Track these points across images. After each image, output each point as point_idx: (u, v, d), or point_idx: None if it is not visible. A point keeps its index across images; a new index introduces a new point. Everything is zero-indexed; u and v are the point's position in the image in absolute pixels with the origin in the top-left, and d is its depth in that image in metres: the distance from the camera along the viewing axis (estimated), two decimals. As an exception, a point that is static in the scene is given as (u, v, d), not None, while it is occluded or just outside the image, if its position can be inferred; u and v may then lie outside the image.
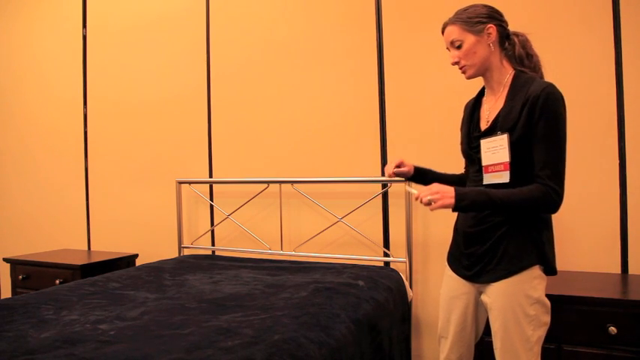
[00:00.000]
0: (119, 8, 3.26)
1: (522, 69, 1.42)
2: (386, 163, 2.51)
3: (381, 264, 2.52)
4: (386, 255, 2.50)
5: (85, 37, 3.39)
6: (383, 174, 2.51)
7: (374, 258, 2.51)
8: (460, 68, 1.44)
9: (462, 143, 1.56)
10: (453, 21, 1.41)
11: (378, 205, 2.53)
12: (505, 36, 1.42)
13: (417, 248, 2.45)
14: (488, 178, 1.41)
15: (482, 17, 1.38)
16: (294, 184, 2.65)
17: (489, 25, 1.37)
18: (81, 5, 3.39)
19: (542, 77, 1.44)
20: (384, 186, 2.49)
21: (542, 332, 1.37)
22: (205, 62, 2.98)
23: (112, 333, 1.50)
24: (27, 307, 1.77)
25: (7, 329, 1.55)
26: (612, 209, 2.07)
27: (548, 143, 1.29)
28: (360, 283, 2.05)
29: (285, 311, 1.66)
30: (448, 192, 1.31)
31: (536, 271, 1.35)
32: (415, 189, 1.42)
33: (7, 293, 3.27)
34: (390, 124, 2.51)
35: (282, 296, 1.90)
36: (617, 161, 2.06)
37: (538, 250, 1.36)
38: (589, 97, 2.09)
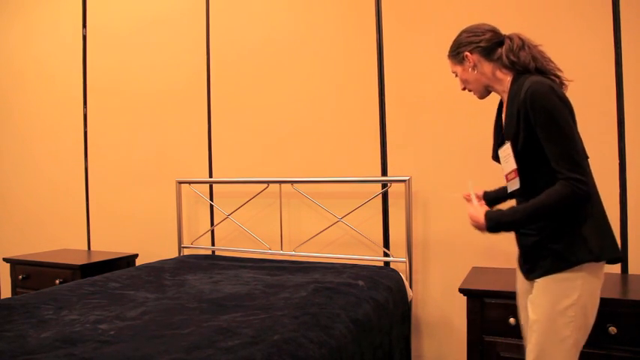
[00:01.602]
0: (119, 8, 3.26)
1: (520, 71, 1.41)
2: (386, 162, 2.51)
3: (381, 264, 2.52)
4: (386, 255, 2.50)
5: (84, 37, 3.38)
6: (383, 174, 2.52)
7: (374, 258, 2.51)
8: (470, 92, 1.56)
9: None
10: (448, 55, 1.55)
11: (377, 205, 2.53)
12: (491, 49, 1.45)
13: (417, 248, 2.45)
14: (509, 186, 1.46)
15: (460, 47, 1.49)
16: (294, 184, 2.64)
17: (465, 53, 1.47)
18: (81, 5, 3.39)
19: (542, 69, 1.39)
20: (384, 186, 2.49)
21: (580, 335, 1.33)
22: (205, 62, 2.98)
23: (111, 333, 1.50)
24: (27, 307, 1.77)
25: (7, 329, 1.55)
26: (612, 209, 2.06)
27: (552, 137, 1.28)
28: (360, 283, 2.05)
29: (285, 311, 1.66)
30: (479, 220, 1.39)
31: (581, 270, 1.31)
32: (474, 190, 1.54)
33: (7, 293, 3.27)
34: (389, 124, 2.51)
35: (282, 296, 1.90)
36: (617, 161, 2.05)
37: (583, 248, 1.31)
38: (589, 97, 2.09)
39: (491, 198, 1.73)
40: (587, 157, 1.35)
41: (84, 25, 3.39)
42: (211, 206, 2.99)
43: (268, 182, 2.69)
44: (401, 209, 2.45)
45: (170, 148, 3.10)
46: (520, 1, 2.21)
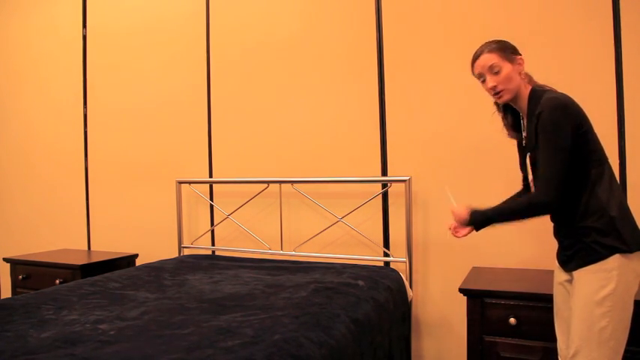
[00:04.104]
0: (119, 8, 3.26)
1: (538, 85, 1.52)
2: (386, 162, 2.51)
3: (381, 264, 2.52)
4: (386, 255, 2.50)
5: (85, 37, 3.38)
6: (383, 174, 2.51)
7: (374, 258, 2.51)
8: (497, 93, 1.53)
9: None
10: (490, 49, 1.53)
11: (378, 205, 2.53)
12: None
13: (417, 248, 2.44)
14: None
15: (513, 49, 1.54)
16: (294, 184, 2.64)
17: (520, 57, 1.53)
18: (81, 5, 3.39)
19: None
20: (384, 186, 2.49)
21: (619, 327, 1.36)
22: (205, 62, 2.98)
23: (112, 333, 1.50)
24: (27, 307, 1.77)
25: (7, 329, 1.55)
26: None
27: (543, 152, 1.41)
28: (360, 282, 2.04)
29: (285, 311, 1.66)
30: (464, 220, 1.59)
31: (616, 261, 1.36)
32: (454, 198, 1.69)
33: (7, 293, 3.27)
34: (390, 124, 2.51)
35: (282, 296, 1.90)
36: (618, 161, 2.05)
37: (616, 239, 1.37)
38: (589, 96, 2.08)
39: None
40: (605, 160, 1.45)
41: (84, 25, 3.39)
42: (211, 206, 2.99)
43: (268, 182, 2.69)
44: (401, 209, 2.45)
45: (170, 148, 3.10)
46: (522, 4, 2.21)
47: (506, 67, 1.50)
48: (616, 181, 1.46)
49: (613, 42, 2.06)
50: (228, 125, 2.93)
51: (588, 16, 2.10)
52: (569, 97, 1.43)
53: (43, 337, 1.46)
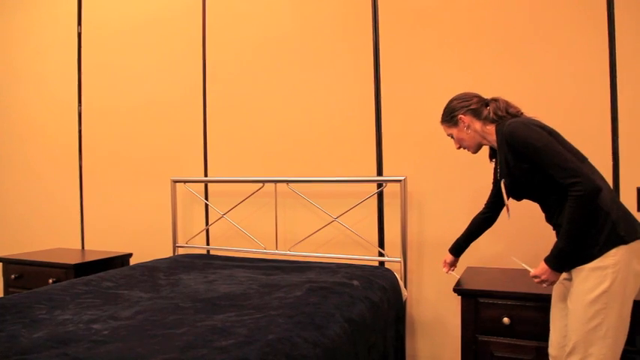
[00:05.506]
0: (115, 6, 3.24)
1: (500, 121, 1.61)
2: (381, 162, 2.52)
3: (376, 264, 2.52)
4: (381, 255, 2.51)
5: (79, 35, 3.36)
6: (378, 174, 2.52)
7: (369, 258, 2.51)
8: (465, 149, 1.76)
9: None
10: (441, 121, 1.77)
11: (373, 205, 2.53)
12: (480, 110, 1.66)
13: (412, 248, 2.45)
14: (508, 215, 1.74)
15: (453, 111, 1.70)
16: (290, 184, 2.64)
17: (459, 116, 1.68)
18: (76, 3, 3.37)
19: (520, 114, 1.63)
20: (379, 186, 2.49)
21: (618, 323, 1.38)
22: (201, 61, 2.97)
23: (105, 333, 1.49)
24: (19, 307, 1.76)
25: (-1, 329, 1.53)
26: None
27: (542, 160, 1.44)
28: (355, 282, 2.05)
29: (280, 311, 1.66)
30: (548, 272, 1.49)
31: (611, 257, 1.38)
32: (528, 265, 1.62)
33: (-1, 292, 3.25)
34: (385, 124, 2.51)
35: (277, 296, 1.89)
36: (611, 162, 2.07)
37: (612, 233, 1.39)
38: (583, 97, 2.10)
39: (457, 250, 1.96)
40: (583, 159, 1.49)
41: (79, 23, 3.37)
42: (206, 205, 2.99)
43: (264, 182, 2.68)
44: (396, 209, 2.45)
45: (165, 147, 3.09)
46: (517, 4, 2.22)
47: (455, 132, 1.72)
48: (600, 175, 1.49)
49: (607, 43, 2.07)
50: (224, 124, 2.92)
51: (583, 17, 2.11)
52: (526, 118, 1.55)
53: (35, 337, 1.45)
